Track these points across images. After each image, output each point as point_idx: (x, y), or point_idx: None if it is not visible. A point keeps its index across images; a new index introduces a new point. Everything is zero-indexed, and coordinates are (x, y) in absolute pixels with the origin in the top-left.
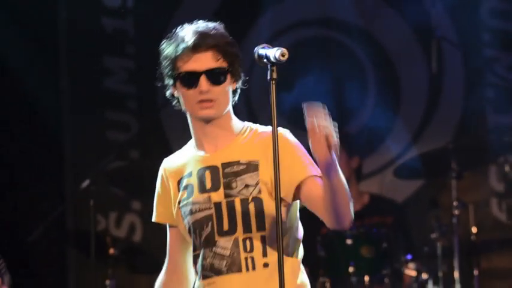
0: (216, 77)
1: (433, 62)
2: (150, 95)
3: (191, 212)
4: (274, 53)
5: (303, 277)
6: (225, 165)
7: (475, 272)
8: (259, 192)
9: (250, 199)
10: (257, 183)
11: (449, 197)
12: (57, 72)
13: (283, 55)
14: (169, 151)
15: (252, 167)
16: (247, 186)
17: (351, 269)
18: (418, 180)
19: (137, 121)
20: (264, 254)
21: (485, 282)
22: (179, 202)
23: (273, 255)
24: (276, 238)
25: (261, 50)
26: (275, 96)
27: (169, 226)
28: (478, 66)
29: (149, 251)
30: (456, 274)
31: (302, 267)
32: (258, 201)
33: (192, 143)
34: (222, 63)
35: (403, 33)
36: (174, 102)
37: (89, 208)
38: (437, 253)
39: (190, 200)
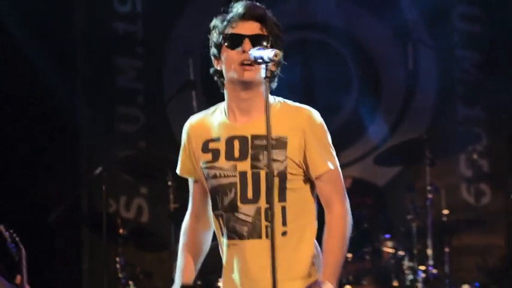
0: (259, 42)
1: (409, 61)
2: (156, 91)
3: (215, 176)
4: (268, 54)
5: (317, 248)
6: (255, 137)
7: (446, 249)
8: (286, 167)
9: (275, 173)
10: (285, 159)
11: (424, 182)
12: (74, 71)
13: (276, 55)
14: (173, 141)
15: (281, 143)
16: (274, 160)
17: None
18: (396, 167)
19: (145, 114)
20: (284, 224)
21: (455, 258)
22: (204, 162)
23: (291, 225)
24: (295, 210)
25: (256, 52)
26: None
27: (192, 180)
28: (449, 65)
29: (155, 231)
30: (429, 251)
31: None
32: (283, 176)
33: (220, 108)
34: (265, 33)
35: (383, 36)
36: (215, 78)
37: (102, 192)
38: (412, 232)
39: (216, 164)
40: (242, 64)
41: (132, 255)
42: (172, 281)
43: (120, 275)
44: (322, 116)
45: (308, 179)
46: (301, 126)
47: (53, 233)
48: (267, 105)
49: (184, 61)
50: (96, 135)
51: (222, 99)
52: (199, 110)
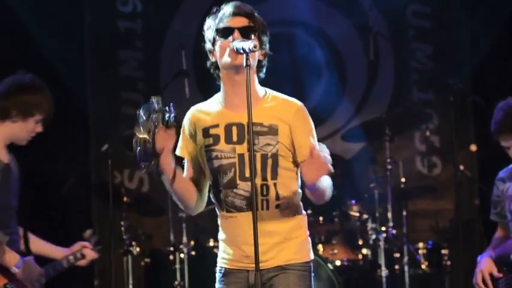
0: (247, 32)
1: (370, 52)
2: (154, 78)
3: (216, 157)
4: (248, 45)
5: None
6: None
7: (404, 213)
8: (277, 150)
9: (269, 155)
10: (276, 143)
11: (384, 155)
12: (84, 63)
13: (255, 46)
14: None
15: (272, 130)
16: (268, 144)
17: (308, 211)
18: (360, 142)
19: (145, 99)
20: (277, 198)
21: (411, 220)
22: (206, 146)
23: (283, 199)
24: (285, 186)
25: (238, 44)
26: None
27: (187, 160)
28: (405, 55)
29: (154, 199)
30: (389, 214)
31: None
32: (275, 158)
33: (217, 100)
34: (252, 25)
35: (347, 30)
36: (211, 70)
37: (108, 166)
38: (375, 198)
39: (217, 147)
40: (228, 54)
41: (134, 220)
42: (169, 242)
43: (124, 237)
44: (297, 96)
45: (294, 160)
46: (290, 116)
47: (66, 202)
48: (248, 91)
49: (178, 53)
50: (103, 117)
51: (211, 86)
52: (191, 95)
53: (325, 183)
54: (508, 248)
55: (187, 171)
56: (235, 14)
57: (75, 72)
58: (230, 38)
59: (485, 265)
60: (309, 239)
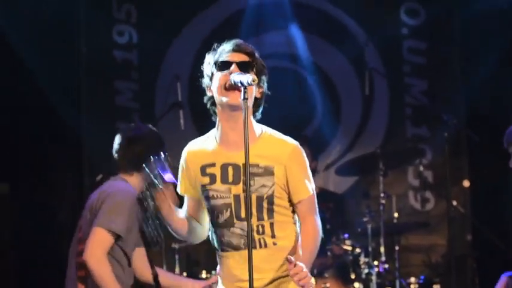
0: (245, 67)
1: (365, 86)
2: (149, 109)
3: (212, 197)
4: (246, 79)
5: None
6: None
7: (396, 248)
8: (273, 192)
9: (265, 197)
10: (272, 185)
11: (377, 190)
12: (79, 93)
13: (254, 80)
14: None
15: (268, 172)
16: (263, 186)
17: None
18: (354, 177)
19: None
20: (273, 236)
21: (403, 255)
22: (202, 185)
23: (279, 237)
24: (281, 224)
25: (236, 77)
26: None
27: (187, 197)
28: (399, 91)
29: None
30: (382, 249)
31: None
32: (270, 199)
33: (214, 136)
34: (251, 61)
35: (343, 65)
36: (208, 106)
37: None
38: (367, 233)
39: (213, 186)
40: (225, 88)
41: None
42: None
43: None
44: (292, 130)
45: (290, 200)
46: (286, 157)
47: (60, 232)
48: (246, 125)
49: (173, 84)
50: (98, 147)
51: (206, 118)
52: (186, 126)
53: (312, 247)
54: None
55: (187, 207)
56: (235, 50)
57: (70, 102)
58: (227, 71)
59: (502, 285)
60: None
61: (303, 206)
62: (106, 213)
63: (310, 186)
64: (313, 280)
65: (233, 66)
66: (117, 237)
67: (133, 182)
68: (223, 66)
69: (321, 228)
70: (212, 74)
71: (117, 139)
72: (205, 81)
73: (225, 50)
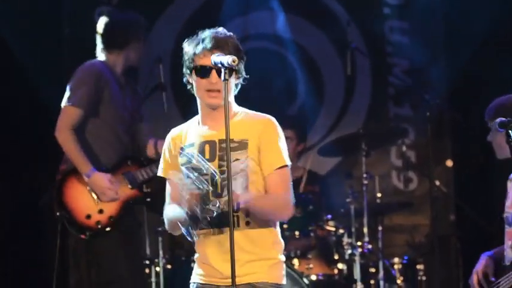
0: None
1: (348, 67)
2: None
3: (190, 175)
4: (227, 59)
5: (278, 234)
6: (222, 141)
7: (379, 228)
8: (246, 166)
9: (239, 171)
10: (246, 158)
11: (360, 170)
12: (62, 75)
13: (234, 61)
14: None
15: (243, 145)
16: (237, 159)
17: (285, 226)
18: (337, 157)
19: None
20: (247, 215)
21: (387, 235)
22: (181, 165)
23: (253, 215)
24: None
25: (216, 58)
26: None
27: (169, 180)
28: (382, 71)
29: None
30: (365, 229)
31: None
32: (244, 173)
33: (196, 119)
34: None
35: (325, 45)
36: (188, 87)
37: None
38: (350, 213)
39: (190, 165)
40: (208, 90)
41: None
42: (145, 255)
43: None
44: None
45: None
46: (259, 131)
47: (42, 215)
48: (226, 106)
49: (156, 67)
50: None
51: (187, 99)
52: (169, 108)
53: (268, 198)
54: (503, 248)
55: (169, 195)
56: (213, 49)
57: (53, 83)
58: (207, 79)
59: (481, 265)
60: (283, 264)
61: (271, 180)
62: (68, 91)
63: (281, 160)
64: (296, 261)
65: (212, 73)
66: (86, 111)
67: (112, 59)
68: (202, 72)
69: (288, 205)
70: (191, 71)
71: (102, 20)
72: (185, 70)
73: (204, 48)
